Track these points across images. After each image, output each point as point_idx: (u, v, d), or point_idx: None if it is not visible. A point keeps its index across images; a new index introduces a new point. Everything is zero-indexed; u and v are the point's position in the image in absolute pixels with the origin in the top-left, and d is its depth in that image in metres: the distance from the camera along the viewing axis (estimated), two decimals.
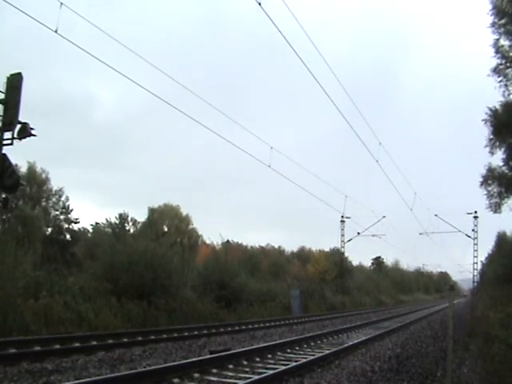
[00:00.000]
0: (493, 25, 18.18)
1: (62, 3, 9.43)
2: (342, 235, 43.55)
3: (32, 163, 33.79)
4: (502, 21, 17.89)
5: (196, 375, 7.84)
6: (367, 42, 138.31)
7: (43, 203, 35.46)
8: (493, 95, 18.89)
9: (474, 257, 44.05)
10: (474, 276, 45.11)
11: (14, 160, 11.41)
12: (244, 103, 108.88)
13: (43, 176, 35.31)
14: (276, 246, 56.13)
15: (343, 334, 15.67)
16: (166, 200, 44.36)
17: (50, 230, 35.48)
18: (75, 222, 36.71)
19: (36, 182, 34.50)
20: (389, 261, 75.07)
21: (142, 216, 43.24)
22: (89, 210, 76.98)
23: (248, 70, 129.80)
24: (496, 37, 18.24)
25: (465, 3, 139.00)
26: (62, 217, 36.20)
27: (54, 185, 36.04)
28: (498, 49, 18.34)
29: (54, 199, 36.16)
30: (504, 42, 18.28)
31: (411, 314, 30.68)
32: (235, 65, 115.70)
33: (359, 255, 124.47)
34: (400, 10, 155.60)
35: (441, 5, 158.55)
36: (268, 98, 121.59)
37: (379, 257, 70.64)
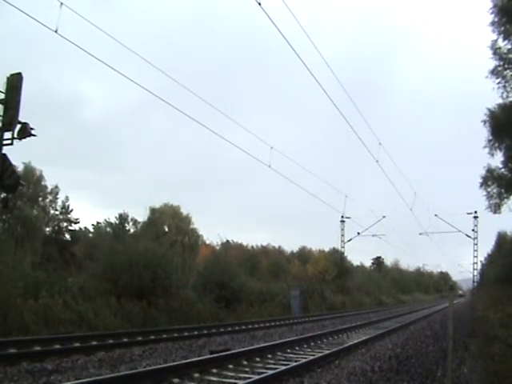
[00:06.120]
0: (492, 24, 18.22)
1: (62, 3, 9.43)
2: (342, 235, 43.62)
3: (27, 163, 33.68)
4: (503, 19, 17.92)
5: (196, 375, 7.84)
6: (367, 42, 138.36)
7: (41, 203, 35.41)
8: (492, 96, 18.94)
9: (474, 257, 44.17)
10: (473, 276, 45.25)
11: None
12: (244, 103, 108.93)
13: (37, 174, 35.22)
14: (276, 246, 56.12)
15: (343, 334, 15.66)
16: (165, 200, 44.29)
17: (49, 229, 35.45)
18: (75, 222, 36.73)
19: (32, 181, 34.39)
20: (389, 261, 75.22)
21: (141, 216, 43.25)
22: (85, 211, 76.88)
23: (248, 69, 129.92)
24: (495, 36, 18.30)
25: (467, 2, 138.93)
26: (61, 217, 36.18)
27: (49, 184, 36.05)
28: (495, 51, 18.40)
29: (50, 197, 36.15)
30: (502, 42, 18.36)
31: (411, 313, 30.67)
32: (235, 64, 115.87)
33: (359, 255, 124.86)
34: (402, 9, 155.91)
35: (443, 4, 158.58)
36: (268, 98, 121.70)
37: (379, 257, 70.78)
